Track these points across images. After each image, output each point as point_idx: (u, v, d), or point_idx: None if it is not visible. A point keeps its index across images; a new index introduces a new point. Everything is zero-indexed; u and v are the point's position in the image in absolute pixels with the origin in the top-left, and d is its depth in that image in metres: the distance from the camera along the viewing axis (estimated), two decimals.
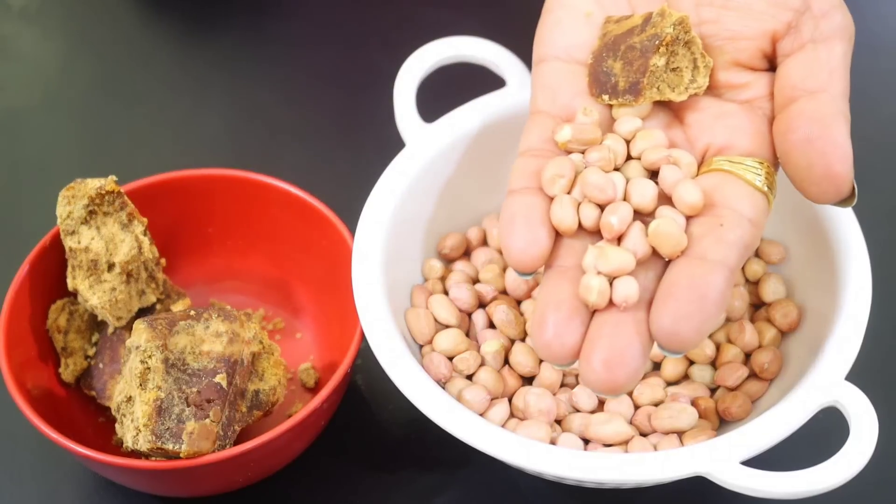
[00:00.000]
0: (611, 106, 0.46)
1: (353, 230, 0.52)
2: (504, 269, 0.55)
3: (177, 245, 0.57)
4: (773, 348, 0.51)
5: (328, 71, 0.71)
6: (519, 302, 0.54)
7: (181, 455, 0.47)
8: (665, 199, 0.44)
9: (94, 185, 0.52)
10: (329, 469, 0.53)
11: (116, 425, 0.49)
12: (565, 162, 0.44)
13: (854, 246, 0.49)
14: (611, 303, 0.41)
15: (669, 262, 0.42)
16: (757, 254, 0.55)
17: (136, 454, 0.48)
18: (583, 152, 0.45)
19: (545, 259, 0.42)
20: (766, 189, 0.43)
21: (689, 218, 0.43)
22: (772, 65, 0.46)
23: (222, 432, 0.48)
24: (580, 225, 0.43)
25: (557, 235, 0.43)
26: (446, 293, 0.54)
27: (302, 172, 0.59)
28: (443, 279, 0.55)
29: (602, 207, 0.43)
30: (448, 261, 0.56)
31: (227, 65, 0.71)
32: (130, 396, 0.48)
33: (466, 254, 0.56)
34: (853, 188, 0.42)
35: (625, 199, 0.43)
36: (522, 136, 0.46)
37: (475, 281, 0.55)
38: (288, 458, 0.52)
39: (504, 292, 0.54)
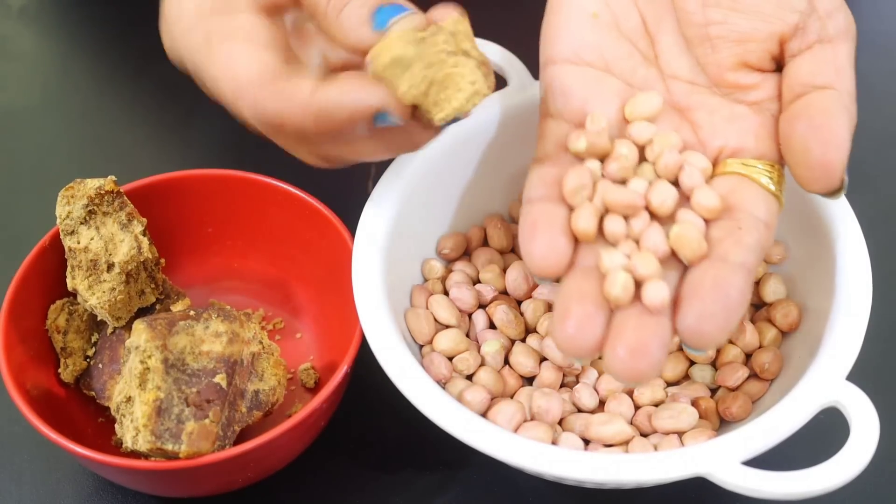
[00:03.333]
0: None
1: (353, 230, 0.52)
2: (504, 270, 0.55)
3: (177, 245, 0.57)
4: (773, 348, 0.51)
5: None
6: (519, 302, 0.54)
7: (180, 455, 0.46)
8: (683, 201, 0.44)
9: (93, 185, 0.52)
10: (329, 469, 0.53)
11: (116, 425, 0.49)
12: (584, 172, 0.44)
13: (854, 246, 0.49)
14: (634, 300, 0.41)
15: (687, 266, 0.42)
16: None
17: (135, 454, 0.48)
18: (602, 160, 0.45)
19: (566, 265, 0.43)
20: (778, 192, 0.45)
21: (707, 221, 0.43)
22: (779, 66, 0.46)
23: (222, 432, 0.47)
24: (601, 232, 0.44)
25: (577, 241, 0.44)
26: (446, 293, 0.54)
27: (302, 172, 0.59)
28: (443, 279, 0.55)
29: (625, 217, 0.43)
30: (448, 261, 0.56)
31: None
32: (130, 397, 0.48)
33: (467, 254, 0.56)
34: (843, 181, 0.43)
35: (645, 206, 0.44)
36: (538, 141, 0.47)
37: (475, 281, 0.55)
38: (288, 459, 0.52)
39: (504, 292, 0.54)
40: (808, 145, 0.43)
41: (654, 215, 0.44)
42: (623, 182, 0.44)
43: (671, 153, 0.45)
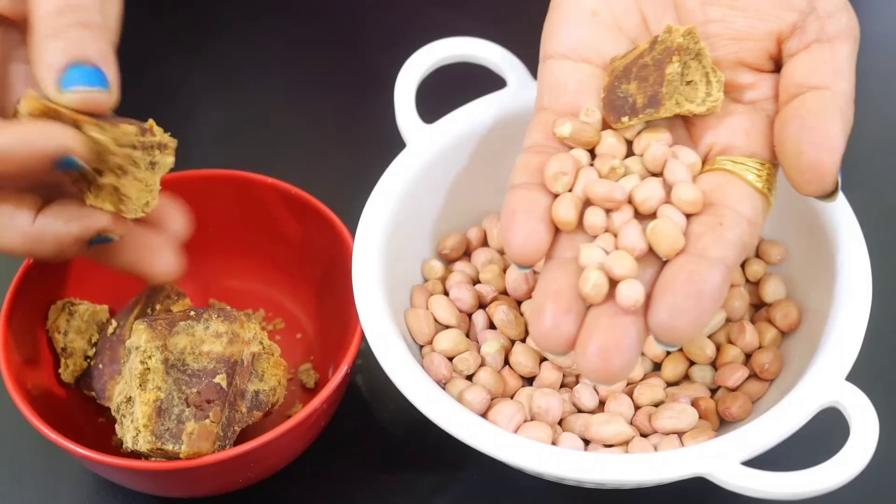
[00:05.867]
0: (630, 127, 0.46)
1: (353, 230, 0.52)
2: (504, 270, 0.55)
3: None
4: (773, 349, 0.51)
5: (328, 71, 0.71)
6: (519, 302, 0.54)
7: (181, 456, 0.47)
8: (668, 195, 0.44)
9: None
10: (329, 469, 0.53)
11: (116, 426, 0.49)
12: (567, 159, 0.44)
13: (854, 246, 0.49)
14: (608, 297, 0.41)
15: (666, 261, 0.42)
16: (757, 254, 0.55)
17: (135, 455, 0.48)
18: (590, 151, 0.45)
19: (544, 253, 0.43)
20: (765, 190, 0.44)
21: (689, 216, 0.43)
22: (777, 66, 0.46)
23: (222, 433, 0.47)
24: (580, 222, 0.43)
25: (557, 230, 0.43)
26: (446, 293, 0.54)
27: (302, 172, 0.59)
28: (443, 279, 0.55)
29: (606, 210, 0.43)
30: (448, 261, 0.56)
31: (227, 65, 0.71)
32: (130, 397, 0.48)
33: (467, 254, 0.56)
34: (837, 184, 0.43)
35: (629, 201, 0.43)
36: (527, 132, 0.47)
37: (475, 281, 0.55)
38: (288, 459, 0.52)
39: (504, 293, 0.54)
40: (800, 147, 0.43)
41: (638, 211, 0.43)
42: (610, 175, 0.44)
43: (658, 146, 0.44)
